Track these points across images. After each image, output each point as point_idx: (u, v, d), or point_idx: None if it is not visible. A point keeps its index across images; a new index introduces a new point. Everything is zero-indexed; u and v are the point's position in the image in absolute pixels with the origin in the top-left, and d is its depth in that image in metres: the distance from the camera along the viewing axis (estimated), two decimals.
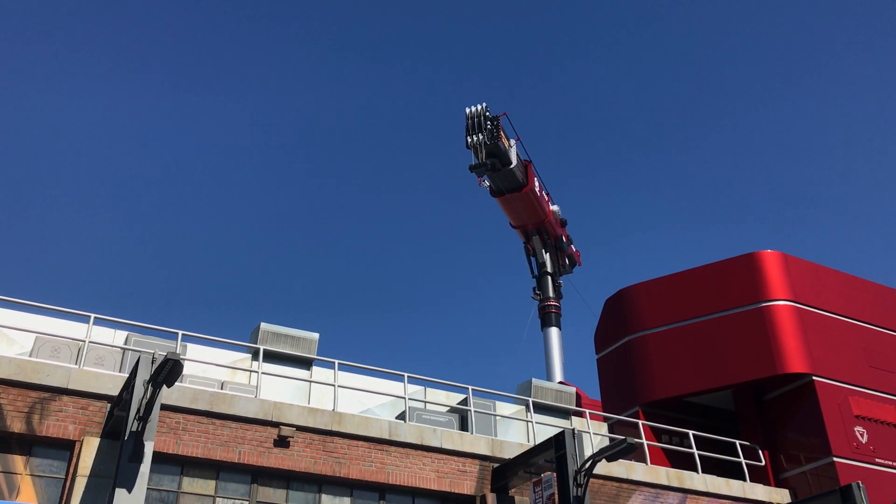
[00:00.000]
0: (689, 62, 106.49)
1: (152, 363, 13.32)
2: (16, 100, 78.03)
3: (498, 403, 22.41)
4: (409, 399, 19.33)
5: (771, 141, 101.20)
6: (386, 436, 17.55)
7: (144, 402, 13.10)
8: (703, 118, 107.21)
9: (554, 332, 40.54)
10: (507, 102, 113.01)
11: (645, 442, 21.67)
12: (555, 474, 16.58)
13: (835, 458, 22.32)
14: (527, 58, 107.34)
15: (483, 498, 17.93)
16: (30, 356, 16.23)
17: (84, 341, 16.03)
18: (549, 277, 41.41)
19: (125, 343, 18.02)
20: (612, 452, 15.46)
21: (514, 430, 22.52)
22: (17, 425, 14.25)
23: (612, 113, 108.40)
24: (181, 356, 12.70)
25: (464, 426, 20.56)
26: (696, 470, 21.78)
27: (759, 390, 25.16)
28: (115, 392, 15.09)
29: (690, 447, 22.60)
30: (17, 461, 14.25)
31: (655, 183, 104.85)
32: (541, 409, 22.88)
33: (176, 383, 14.28)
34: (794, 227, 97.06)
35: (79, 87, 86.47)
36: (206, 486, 15.69)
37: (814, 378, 23.56)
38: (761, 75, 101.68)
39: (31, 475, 14.25)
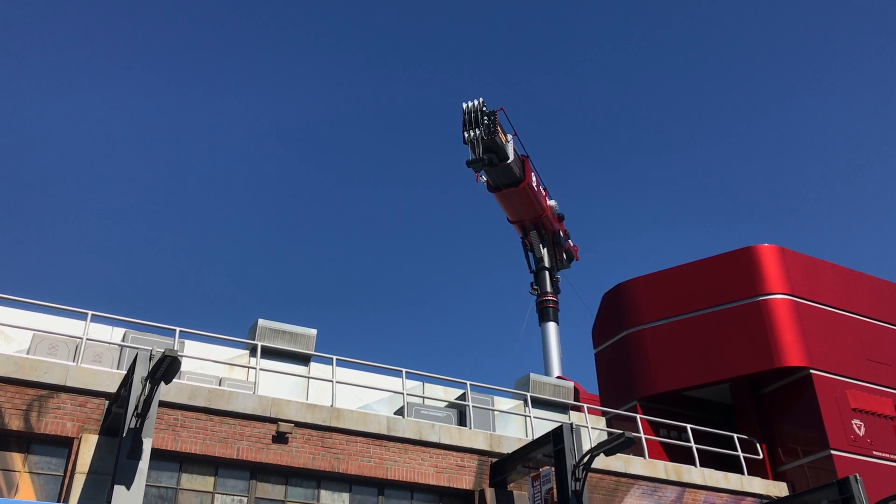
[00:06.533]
0: (687, 62, 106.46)
1: (150, 360, 13.32)
2: (14, 98, 77.82)
3: (496, 398, 22.42)
4: (408, 394, 19.34)
5: (767, 138, 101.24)
6: (384, 431, 17.56)
7: (142, 398, 13.10)
8: (700, 115, 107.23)
9: (552, 326, 40.56)
10: (504, 98, 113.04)
11: (643, 436, 21.72)
12: (553, 469, 16.60)
13: (832, 451, 22.37)
14: (525, 54, 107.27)
15: (482, 493, 17.95)
16: (27, 354, 16.21)
17: (82, 338, 16.00)
18: (547, 272, 41.40)
19: (123, 340, 18.00)
20: (610, 447, 15.48)
21: (513, 425, 22.54)
22: (15, 423, 14.24)
23: (609, 109, 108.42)
24: (179, 353, 12.68)
25: (462, 421, 20.57)
26: (693, 464, 21.83)
27: (756, 384, 25.20)
28: (113, 389, 15.08)
29: (688, 441, 22.64)
30: (16, 459, 14.25)
31: (653, 179, 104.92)
32: (539, 403, 22.90)
33: (174, 380, 14.28)
34: (790, 224, 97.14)
35: (74, 86, 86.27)
36: (205, 482, 15.69)
37: (811, 371, 23.61)
38: (759, 76, 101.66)
39: (29, 473, 14.25)
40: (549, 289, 41.23)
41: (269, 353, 19.48)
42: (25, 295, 15.85)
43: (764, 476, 23.37)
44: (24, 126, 79.41)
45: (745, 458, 23.14)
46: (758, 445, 23.99)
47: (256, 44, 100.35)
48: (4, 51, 75.31)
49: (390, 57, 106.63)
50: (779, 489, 22.70)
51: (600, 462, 18.92)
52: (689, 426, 22.91)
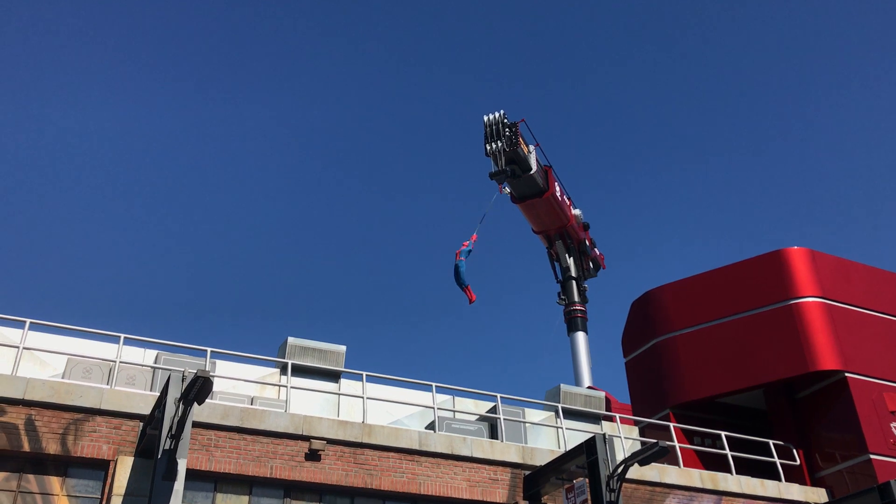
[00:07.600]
0: (714, 67, 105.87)
1: (182, 381, 13.44)
2: (17, 100, 78.66)
3: (527, 410, 22.34)
4: (438, 409, 19.32)
5: (794, 142, 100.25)
6: (416, 446, 17.56)
7: (176, 419, 13.22)
8: (727, 121, 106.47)
9: (581, 336, 40.30)
10: (526, 108, 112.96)
11: (677, 444, 21.51)
12: (587, 480, 16.50)
13: (871, 456, 22.01)
14: (547, 63, 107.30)
15: None
16: (62, 378, 16.44)
17: (115, 361, 16.21)
18: (574, 282, 41.20)
19: (155, 362, 18.20)
20: (644, 456, 15.36)
21: (545, 437, 22.44)
22: (52, 447, 14.43)
23: (633, 116, 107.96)
24: (211, 373, 12.81)
25: (493, 434, 20.52)
26: (729, 471, 21.56)
27: (790, 389, 24.89)
28: (146, 411, 15.23)
29: (723, 448, 22.38)
30: (54, 482, 14.43)
31: (680, 185, 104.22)
32: (570, 414, 22.77)
33: (206, 400, 14.38)
34: (819, 226, 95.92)
35: (90, 96, 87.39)
36: (240, 501, 15.78)
37: (846, 375, 23.28)
38: (790, 79, 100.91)
39: (67, 496, 14.42)
40: (576, 298, 41.03)
41: (299, 371, 19.59)
42: (58, 320, 16.11)
43: (802, 482, 23.03)
44: (42, 141, 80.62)
45: (781, 464, 22.82)
46: (794, 451, 23.66)
47: (275, 52, 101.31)
48: (16, 54, 76.53)
49: (410, 67, 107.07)
50: (818, 495, 22.35)
51: (635, 472, 18.76)
52: (723, 433, 22.65)
